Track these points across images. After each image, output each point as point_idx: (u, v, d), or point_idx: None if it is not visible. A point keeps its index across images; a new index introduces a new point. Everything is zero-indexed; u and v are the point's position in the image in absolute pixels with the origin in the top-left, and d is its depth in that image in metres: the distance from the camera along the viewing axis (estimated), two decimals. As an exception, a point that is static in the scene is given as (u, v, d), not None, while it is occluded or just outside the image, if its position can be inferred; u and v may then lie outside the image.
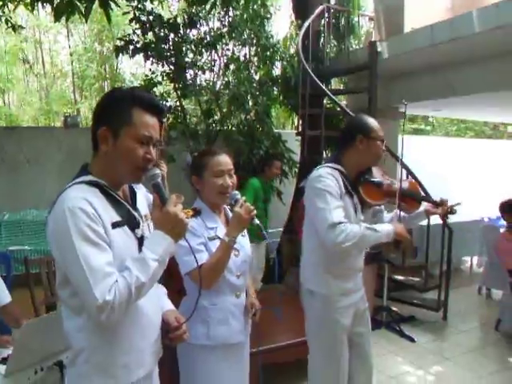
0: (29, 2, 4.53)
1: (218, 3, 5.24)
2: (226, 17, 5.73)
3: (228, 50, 5.75)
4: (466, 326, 4.75)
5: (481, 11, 4.30)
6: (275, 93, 6.37)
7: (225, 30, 5.62)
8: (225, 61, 5.78)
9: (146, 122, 1.42)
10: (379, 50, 5.31)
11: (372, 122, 2.34)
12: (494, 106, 6.67)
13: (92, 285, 1.24)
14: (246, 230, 2.13)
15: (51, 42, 12.20)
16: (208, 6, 5.05)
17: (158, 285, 1.63)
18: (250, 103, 6.03)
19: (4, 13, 4.96)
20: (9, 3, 4.82)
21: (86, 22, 4.86)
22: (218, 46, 5.58)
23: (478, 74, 5.13)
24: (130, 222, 1.46)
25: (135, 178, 1.47)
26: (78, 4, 4.21)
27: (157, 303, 1.61)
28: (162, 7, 6.34)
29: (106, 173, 1.43)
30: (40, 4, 4.47)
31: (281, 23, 7.90)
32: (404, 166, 4.41)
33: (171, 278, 2.18)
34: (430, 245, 5.00)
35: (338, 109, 5.46)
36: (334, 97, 5.01)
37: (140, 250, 1.43)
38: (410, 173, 4.46)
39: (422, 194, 2.53)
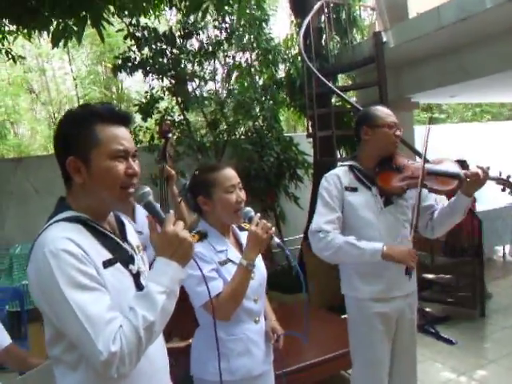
0: (26, 32, 4.50)
1: (210, 9, 5.07)
2: (224, 24, 5.59)
3: (228, 57, 5.59)
4: (507, 321, 4.44)
5: (490, -15, 4.05)
6: (282, 96, 6.20)
7: (223, 36, 5.47)
8: (226, 68, 5.63)
9: (115, 134, 1.24)
10: (384, 40, 5.08)
11: (377, 109, 2.27)
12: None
13: (93, 337, 1.07)
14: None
15: (55, 69, 12.26)
16: (200, 14, 4.89)
17: None
18: (257, 109, 5.87)
19: (3, 45, 4.92)
20: (7, 35, 4.80)
21: (79, 44, 4.78)
22: (218, 54, 5.43)
23: (491, 54, 4.85)
24: (123, 257, 1.28)
25: (123, 201, 1.28)
26: (74, 27, 4.16)
27: (161, 344, 1.43)
28: (159, 21, 6.22)
29: (87, 205, 1.26)
30: (38, 32, 4.44)
31: (281, 24, 7.77)
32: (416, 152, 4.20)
33: (185, 304, 2.01)
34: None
35: (349, 106, 5.25)
36: (341, 93, 4.79)
37: (137, 287, 1.26)
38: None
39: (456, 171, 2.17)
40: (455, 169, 2.20)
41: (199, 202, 1.92)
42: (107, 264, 1.21)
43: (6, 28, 4.72)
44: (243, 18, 5.53)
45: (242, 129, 5.94)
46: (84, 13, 4.00)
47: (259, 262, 1.95)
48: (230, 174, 1.90)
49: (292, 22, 6.45)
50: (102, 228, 1.28)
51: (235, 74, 5.74)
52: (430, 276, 4.87)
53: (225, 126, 5.70)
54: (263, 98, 5.72)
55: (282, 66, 6.18)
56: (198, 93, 5.51)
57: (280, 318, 2.11)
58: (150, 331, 1.13)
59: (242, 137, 6.03)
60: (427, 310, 4.60)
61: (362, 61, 5.39)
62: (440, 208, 2.28)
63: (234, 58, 5.65)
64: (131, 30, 5.17)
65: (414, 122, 6.43)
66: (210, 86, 5.75)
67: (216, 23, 5.53)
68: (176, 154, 5.46)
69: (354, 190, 2.21)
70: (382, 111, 2.25)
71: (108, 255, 1.23)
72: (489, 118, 14.44)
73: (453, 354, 3.89)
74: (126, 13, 4.84)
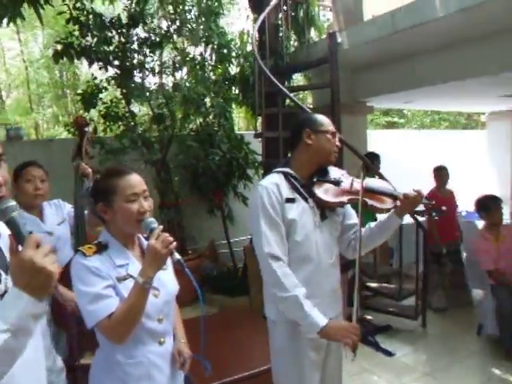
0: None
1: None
2: (175, 15, 5.31)
3: (177, 49, 5.32)
4: (447, 333, 4.41)
5: (443, -7, 3.96)
6: (234, 93, 6.00)
7: (173, 27, 5.20)
8: (175, 61, 5.36)
9: None
10: (339, 40, 4.95)
11: (320, 116, 2.14)
12: (464, 96, 6.38)
13: None
14: (169, 262, 1.76)
15: (4, 50, 11.58)
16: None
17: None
18: (208, 105, 5.65)
19: None
20: None
21: (15, 23, 4.45)
22: (166, 46, 5.16)
23: (443, 63, 4.80)
24: None
25: None
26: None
27: (35, 362, 1.24)
28: (113, 5, 5.88)
29: None
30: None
31: (240, 20, 7.55)
32: (363, 159, 4.11)
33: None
34: (403, 246, 4.68)
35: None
36: (290, 94, 4.61)
37: None
38: (371, 168, 4.11)
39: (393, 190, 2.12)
40: (392, 189, 2.13)
41: (99, 210, 1.71)
42: None
43: None
44: (197, 9, 5.30)
45: (192, 125, 5.70)
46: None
47: (166, 278, 1.77)
48: (133, 181, 1.70)
49: (248, 16, 6.26)
50: None
51: (186, 68, 5.47)
52: (374, 285, 4.79)
53: (170, 121, 5.43)
54: (213, 95, 5.48)
55: (236, 62, 5.96)
56: (144, 85, 5.23)
57: (219, 322, 1.91)
58: None
59: (193, 133, 5.80)
60: (369, 317, 4.52)
61: (316, 61, 5.23)
62: (365, 229, 2.13)
63: (183, 50, 5.38)
64: (74, 14, 4.83)
65: (368, 127, 6.34)
66: (158, 78, 5.47)
67: (166, 13, 5.25)
68: (121, 148, 5.21)
69: (292, 200, 2.00)
70: (324, 118, 2.12)
71: None
72: (446, 126, 14.69)
73: (390, 365, 3.81)
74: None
